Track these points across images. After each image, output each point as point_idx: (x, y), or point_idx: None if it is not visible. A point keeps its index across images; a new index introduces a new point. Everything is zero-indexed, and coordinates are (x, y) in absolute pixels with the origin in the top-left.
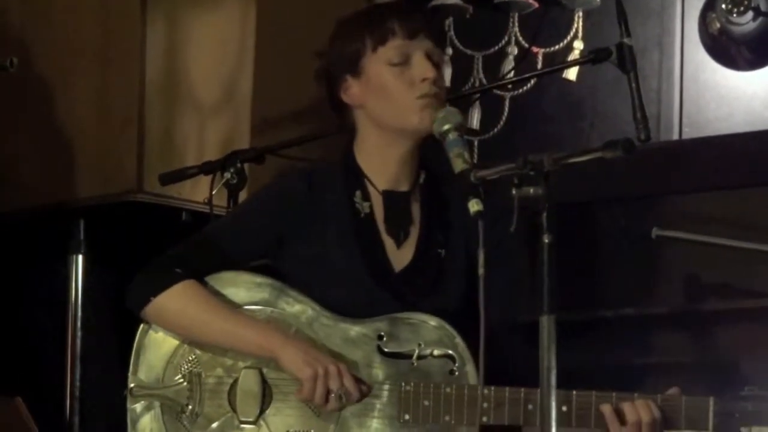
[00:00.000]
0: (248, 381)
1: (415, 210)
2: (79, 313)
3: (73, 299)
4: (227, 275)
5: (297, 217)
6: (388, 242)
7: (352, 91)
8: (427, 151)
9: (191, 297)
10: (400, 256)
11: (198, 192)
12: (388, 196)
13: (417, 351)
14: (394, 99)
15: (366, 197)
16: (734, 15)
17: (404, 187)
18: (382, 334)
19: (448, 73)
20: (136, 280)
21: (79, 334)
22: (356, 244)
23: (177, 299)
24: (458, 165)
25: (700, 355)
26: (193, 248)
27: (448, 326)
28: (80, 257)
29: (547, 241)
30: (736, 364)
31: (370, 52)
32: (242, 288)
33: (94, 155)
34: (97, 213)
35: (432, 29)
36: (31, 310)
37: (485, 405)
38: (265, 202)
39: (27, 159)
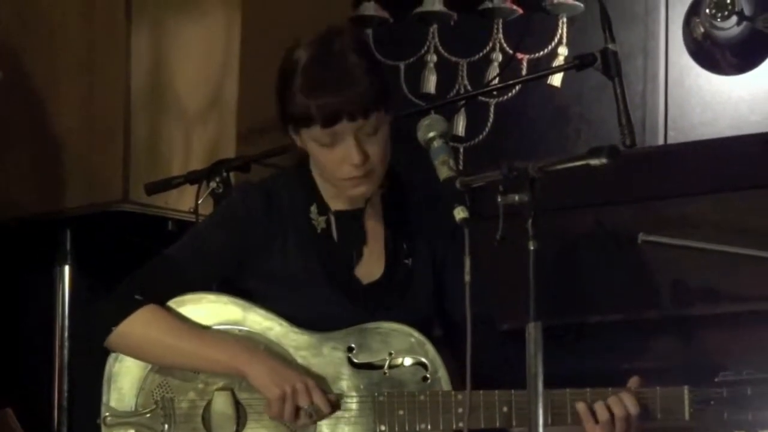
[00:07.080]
0: (221, 403)
1: (372, 225)
2: (67, 323)
3: (60, 309)
4: (192, 297)
5: (258, 235)
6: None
7: (294, 136)
8: (398, 156)
9: (153, 322)
10: (367, 270)
11: (184, 201)
12: (339, 216)
13: (388, 360)
14: (327, 171)
15: (322, 211)
16: (718, 19)
17: (360, 204)
18: (352, 345)
19: (432, 79)
20: (96, 311)
21: (66, 344)
22: (317, 259)
23: (138, 326)
24: (443, 172)
25: (687, 359)
26: (153, 273)
27: (417, 333)
28: (67, 267)
29: (532, 248)
30: (723, 368)
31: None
32: (208, 309)
33: (80, 165)
34: (84, 223)
35: (356, 100)
36: (18, 321)
37: (460, 410)
38: (225, 223)
39: (13, 169)
